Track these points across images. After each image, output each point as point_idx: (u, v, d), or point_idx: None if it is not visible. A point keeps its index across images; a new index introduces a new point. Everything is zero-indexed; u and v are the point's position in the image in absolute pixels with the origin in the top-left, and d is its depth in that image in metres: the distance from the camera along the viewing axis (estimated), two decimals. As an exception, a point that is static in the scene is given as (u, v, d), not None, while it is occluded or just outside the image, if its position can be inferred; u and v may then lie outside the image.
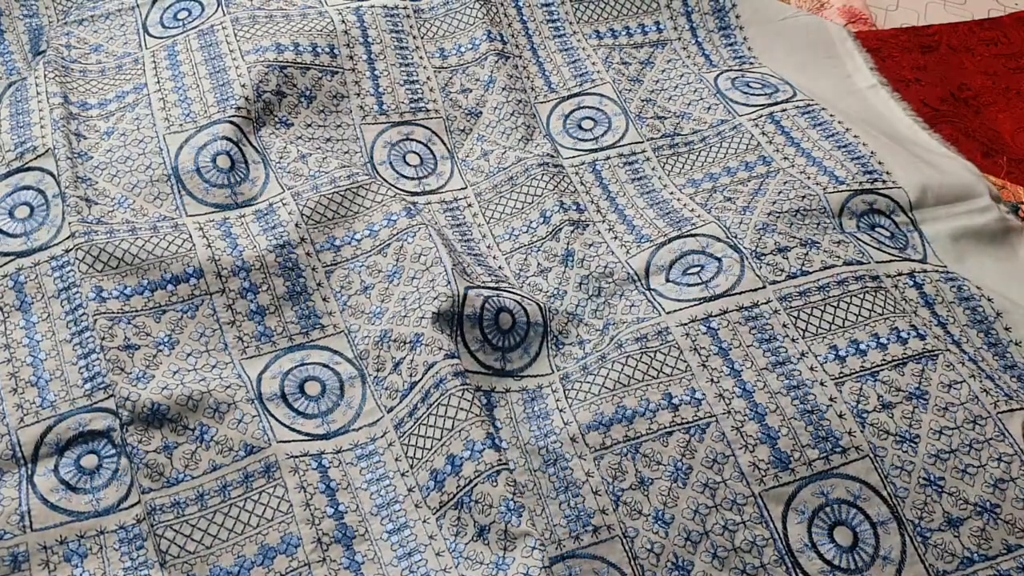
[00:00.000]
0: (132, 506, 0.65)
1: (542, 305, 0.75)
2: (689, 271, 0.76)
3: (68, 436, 0.67)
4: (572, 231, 0.81)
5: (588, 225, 0.82)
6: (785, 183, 0.83)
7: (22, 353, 0.71)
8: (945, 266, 0.79)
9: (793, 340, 0.71)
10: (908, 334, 0.71)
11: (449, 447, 0.65)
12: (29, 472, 0.66)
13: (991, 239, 0.83)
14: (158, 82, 0.89)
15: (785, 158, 0.87)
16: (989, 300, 0.76)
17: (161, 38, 0.94)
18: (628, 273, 0.77)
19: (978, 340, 0.74)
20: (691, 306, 0.72)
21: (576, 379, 0.71)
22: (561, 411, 0.69)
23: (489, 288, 0.74)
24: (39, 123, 0.84)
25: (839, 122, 0.90)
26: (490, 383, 0.71)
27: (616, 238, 0.81)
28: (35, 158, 0.81)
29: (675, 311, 0.72)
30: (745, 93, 0.94)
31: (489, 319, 0.73)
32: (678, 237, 0.79)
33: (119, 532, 0.64)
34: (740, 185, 0.85)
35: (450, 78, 0.94)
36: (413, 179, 0.87)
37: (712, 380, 0.69)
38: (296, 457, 0.67)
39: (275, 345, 0.73)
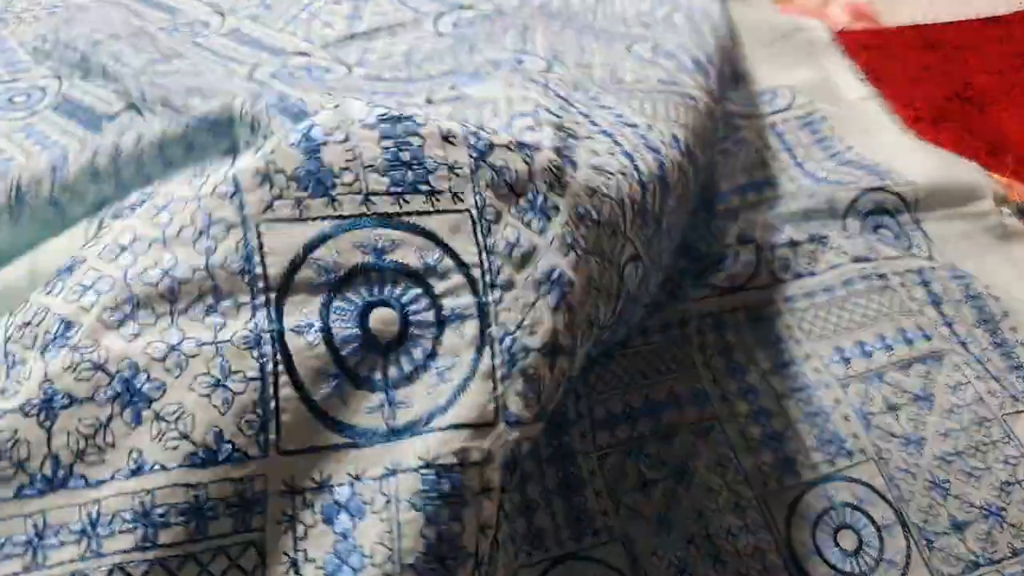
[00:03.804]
0: None
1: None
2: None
3: None
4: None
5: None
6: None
7: None
8: (952, 264, 0.78)
9: (798, 341, 0.70)
10: (914, 335, 0.70)
11: None
12: None
13: (995, 240, 0.82)
14: None
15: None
16: (996, 299, 0.75)
17: None
18: (630, 272, 0.77)
19: (984, 340, 0.73)
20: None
21: (576, 379, 0.70)
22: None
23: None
24: None
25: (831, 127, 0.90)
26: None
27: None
28: None
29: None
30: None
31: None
32: (680, 236, 0.78)
33: None
34: (743, 183, 0.85)
35: None
36: None
37: (715, 381, 0.68)
38: None
39: None
